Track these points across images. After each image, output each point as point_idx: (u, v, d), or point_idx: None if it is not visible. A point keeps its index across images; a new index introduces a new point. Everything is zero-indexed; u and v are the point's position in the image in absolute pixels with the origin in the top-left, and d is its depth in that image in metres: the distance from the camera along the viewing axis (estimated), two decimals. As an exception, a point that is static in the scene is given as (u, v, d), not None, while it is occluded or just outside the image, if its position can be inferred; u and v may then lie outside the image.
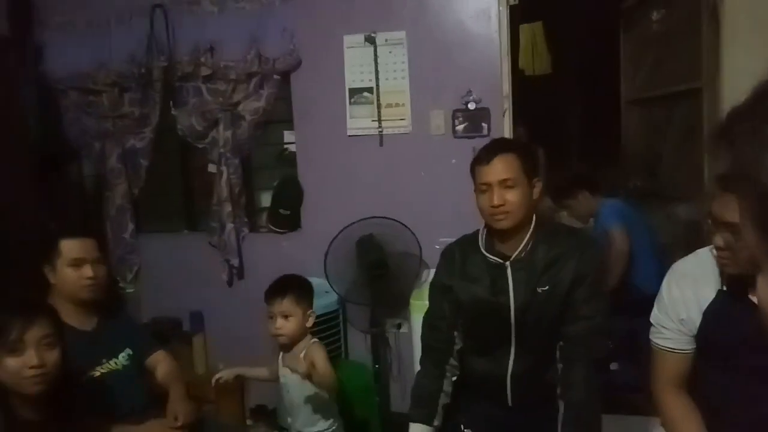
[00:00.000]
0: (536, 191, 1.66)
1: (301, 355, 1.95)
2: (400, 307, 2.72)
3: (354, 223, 2.64)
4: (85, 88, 3.00)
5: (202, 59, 2.84)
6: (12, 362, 1.34)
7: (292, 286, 1.98)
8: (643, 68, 3.20)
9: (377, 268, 2.54)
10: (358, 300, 2.71)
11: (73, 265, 1.75)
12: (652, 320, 1.52)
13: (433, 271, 2.45)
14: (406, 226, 2.62)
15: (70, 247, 1.76)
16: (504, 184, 1.60)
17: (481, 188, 1.64)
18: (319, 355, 1.93)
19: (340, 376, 2.16)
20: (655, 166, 3.05)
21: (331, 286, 2.67)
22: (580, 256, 1.62)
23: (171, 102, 2.97)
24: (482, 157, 1.64)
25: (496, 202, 1.60)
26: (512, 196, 1.60)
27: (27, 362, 1.35)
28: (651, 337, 1.53)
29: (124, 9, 2.92)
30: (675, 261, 2.61)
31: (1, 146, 2.48)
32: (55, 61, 3.02)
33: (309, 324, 1.99)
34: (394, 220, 2.62)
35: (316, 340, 2.03)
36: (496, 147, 1.67)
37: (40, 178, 2.69)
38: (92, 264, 1.77)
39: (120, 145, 3.04)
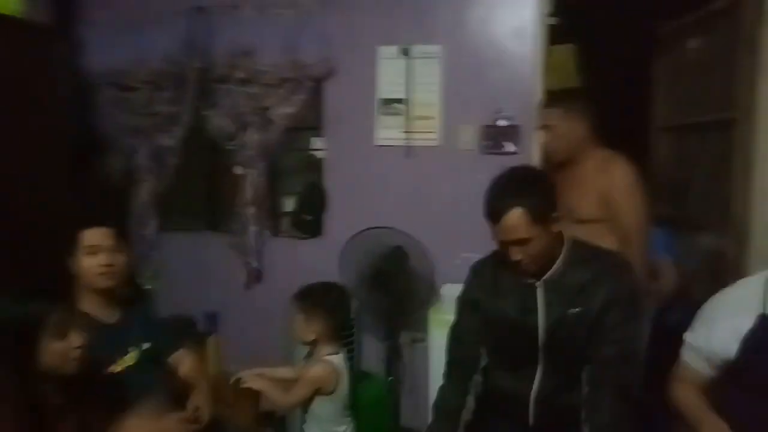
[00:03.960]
0: (555, 226, 1.59)
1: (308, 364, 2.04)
2: (415, 320, 2.70)
3: (367, 229, 2.60)
4: (121, 84, 3.05)
5: (238, 62, 2.88)
6: (58, 346, 1.39)
7: (302, 296, 2.06)
8: (675, 95, 3.19)
9: (379, 278, 2.52)
10: (369, 309, 2.70)
11: (89, 253, 1.78)
12: (685, 337, 1.56)
13: (450, 286, 2.47)
14: (410, 237, 2.56)
15: (86, 236, 1.79)
16: (517, 242, 1.55)
17: (495, 239, 1.59)
18: (309, 373, 1.99)
19: (355, 388, 2.21)
20: (683, 194, 3.02)
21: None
22: (615, 279, 1.60)
23: (203, 103, 3.00)
24: (490, 213, 1.56)
25: (514, 258, 1.56)
26: (530, 250, 1.55)
27: (72, 343, 1.41)
28: (681, 351, 1.57)
29: (165, 9, 2.97)
30: (698, 291, 2.57)
31: (37, 136, 2.52)
32: (94, 56, 3.08)
33: (308, 338, 2.03)
34: (404, 233, 2.57)
35: (328, 358, 2.02)
36: (503, 201, 1.54)
37: (72, 171, 2.72)
38: (108, 252, 1.79)
39: (150, 143, 3.07)
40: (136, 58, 3.00)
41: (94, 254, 1.77)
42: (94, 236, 1.79)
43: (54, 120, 2.63)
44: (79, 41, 3.07)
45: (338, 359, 2.05)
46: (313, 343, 2.05)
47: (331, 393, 2.00)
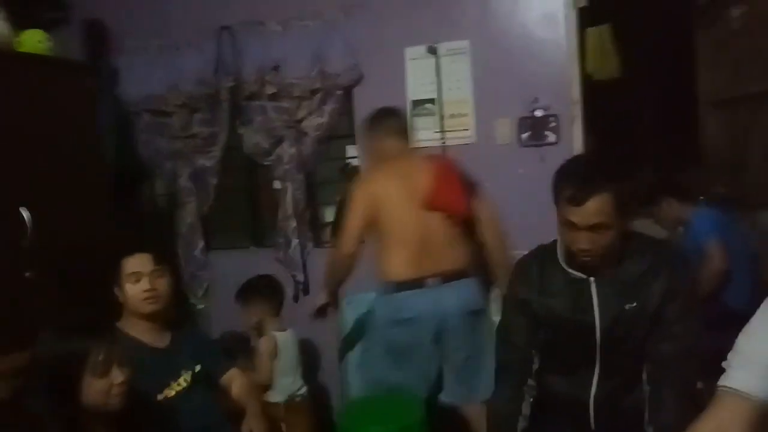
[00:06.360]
0: (627, 220, 1.51)
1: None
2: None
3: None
4: (157, 110, 3.11)
5: (267, 78, 2.89)
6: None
7: (240, 290, 2.57)
8: (722, 68, 3.02)
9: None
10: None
11: (131, 281, 1.80)
12: (728, 358, 1.19)
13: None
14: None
15: (128, 263, 1.81)
16: (595, 228, 1.45)
17: (566, 224, 1.49)
18: (260, 349, 2.46)
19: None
20: (740, 171, 2.86)
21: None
22: (672, 271, 1.51)
23: (238, 121, 3.03)
24: (573, 196, 1.45)
25: (584, 246, 1.48)
26: (602, 239, 1.46)
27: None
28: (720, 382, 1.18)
29: (193, 32, 3.01)
30: (764, 272, 2.40)
31: (79, 167, 2.58)
32: (129, 85, 3.14)
33: (251, 321, 2.52)
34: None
35: (266, 336, 2.48)
36: (591, 185, 1.44)
37: (116, 198, 2.79)
38: (149, 277, 1.80)
39: (190, 165, 3.12)
40: (169, 83, 3.05)
41: (137, 281, 1.80)
42: (135, 263, 1.81)
43: (94, 150, 2.68)
44: (113, 71, 3.15)
45: (282, 335, 2.48)
46: (258, 325, 2.49)
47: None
